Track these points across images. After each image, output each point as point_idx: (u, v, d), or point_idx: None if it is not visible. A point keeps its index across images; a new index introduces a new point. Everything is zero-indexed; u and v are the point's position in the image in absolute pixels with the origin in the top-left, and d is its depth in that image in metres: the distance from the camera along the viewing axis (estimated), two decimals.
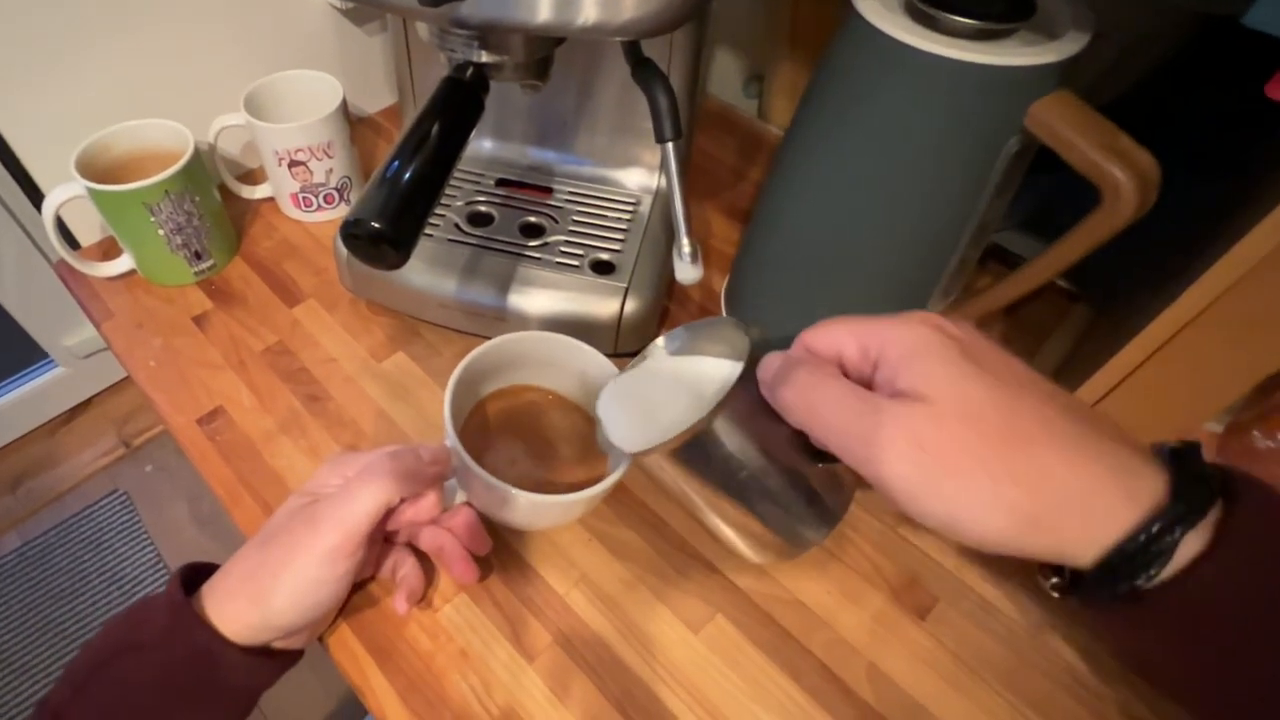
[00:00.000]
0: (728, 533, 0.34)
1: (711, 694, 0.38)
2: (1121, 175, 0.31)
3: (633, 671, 0.39)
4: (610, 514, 0.45)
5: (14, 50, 0.50)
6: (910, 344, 0.26)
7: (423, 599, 0.40)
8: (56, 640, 1.12)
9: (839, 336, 0.28)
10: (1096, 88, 0.36)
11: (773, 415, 0.29)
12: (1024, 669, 0.39)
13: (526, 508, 0.37)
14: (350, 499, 0.34)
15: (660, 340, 0.36)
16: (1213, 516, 0.23)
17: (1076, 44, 0.33)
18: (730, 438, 0.30)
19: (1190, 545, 0.23)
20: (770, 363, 0.29)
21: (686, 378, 0.33)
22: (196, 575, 0.36)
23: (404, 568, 0.39)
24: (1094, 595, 0.25)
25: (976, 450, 0.23)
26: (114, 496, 1.28)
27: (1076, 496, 0.23)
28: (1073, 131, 0.32)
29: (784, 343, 0.30)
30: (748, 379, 0.29)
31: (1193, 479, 0.23)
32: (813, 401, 0.27)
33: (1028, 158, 0.37)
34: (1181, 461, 0.24)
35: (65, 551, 1.21)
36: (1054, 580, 0.27)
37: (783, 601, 0.42)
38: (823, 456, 0.29)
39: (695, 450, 0.30)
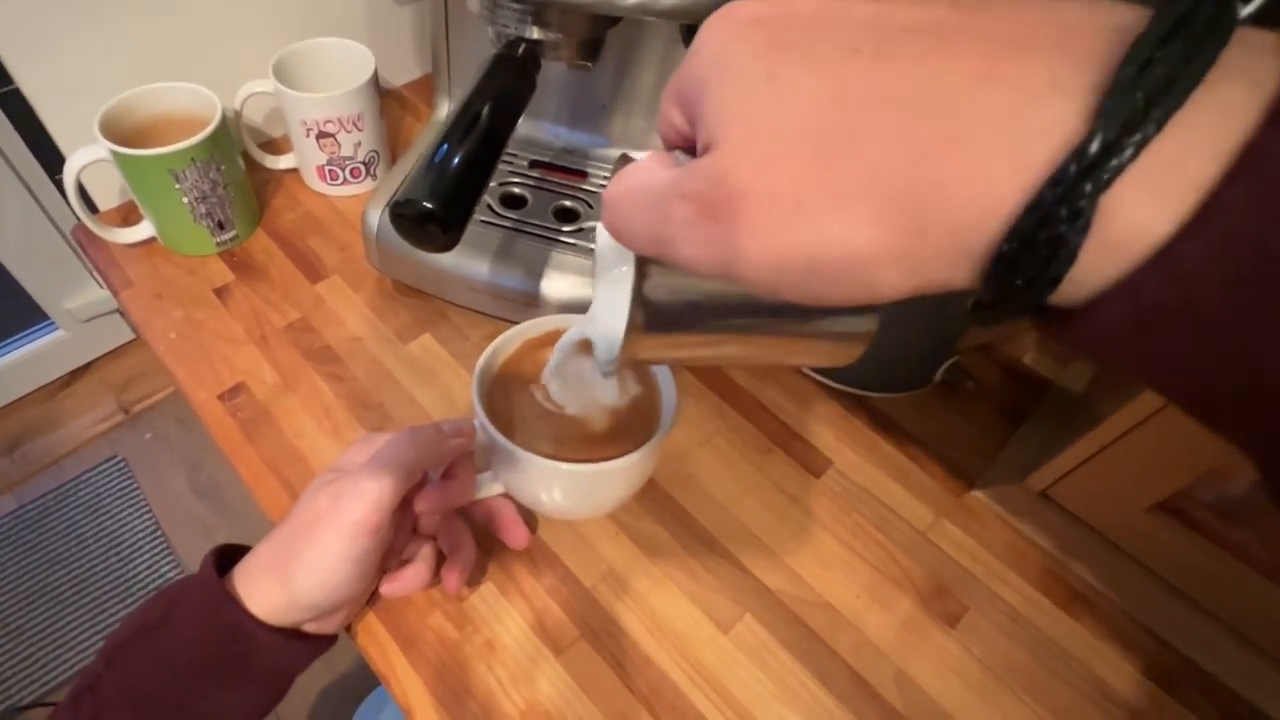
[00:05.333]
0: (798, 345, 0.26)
1: (739, 694, 0.38)
2: None
3: (659, 668, 0.38)
4: (638, 508, 0.44)
5: (41, 9, 0.48)
6: (703, 70, 0.17)
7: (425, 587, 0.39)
8: (52, 604, 1.11)
9: (665, 108, 0.20)
10: None
11: None
12: (1052, 681, 0.39)
13: (561, 481, 0.36)
14: (373, 473, 0.33)
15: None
16: (1231, 124, 0.12)
17: None
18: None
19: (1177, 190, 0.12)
20: None
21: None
22: (229, 557, 0.35)
23: (415, 557, 0.39)
24: (1004, 314, 0.15)
25: (784, 189, 0.15)
26: (112, 463, 1.27)
27: (928, 186, 0.14)
28: None
29: None
30: None
31: (1168, 36, 0.12)
32: (614, 218, 0.19)
33: None
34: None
35: (62, 516, 1.20)
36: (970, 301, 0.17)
37: (811, 603, 0.41)
38: None
39: (673, 297, 0.23)
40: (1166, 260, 0.13)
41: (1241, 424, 0.14)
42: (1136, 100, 0.12)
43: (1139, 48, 0.12)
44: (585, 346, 0.34)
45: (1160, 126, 0.12)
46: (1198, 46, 0.12)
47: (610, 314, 0.29)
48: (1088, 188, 0.12)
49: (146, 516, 1.21)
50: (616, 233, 0.20)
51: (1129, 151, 0.12)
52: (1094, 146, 0.12)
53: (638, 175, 0.19)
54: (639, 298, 0.23)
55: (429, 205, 0.30)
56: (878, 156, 0.14)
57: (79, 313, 1.21)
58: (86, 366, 1.30)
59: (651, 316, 0.24)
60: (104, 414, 1.32)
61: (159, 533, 1.19)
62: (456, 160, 0.31)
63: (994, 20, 0.14)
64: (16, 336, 1.22)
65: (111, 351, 1.31)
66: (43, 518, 1.20)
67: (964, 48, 0.14)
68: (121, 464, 1.27)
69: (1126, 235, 0.13)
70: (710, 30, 0.17)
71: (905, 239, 0.15)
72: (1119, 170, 0.12)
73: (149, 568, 1.15)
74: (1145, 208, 0.13)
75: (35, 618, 1.10)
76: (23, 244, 1.10)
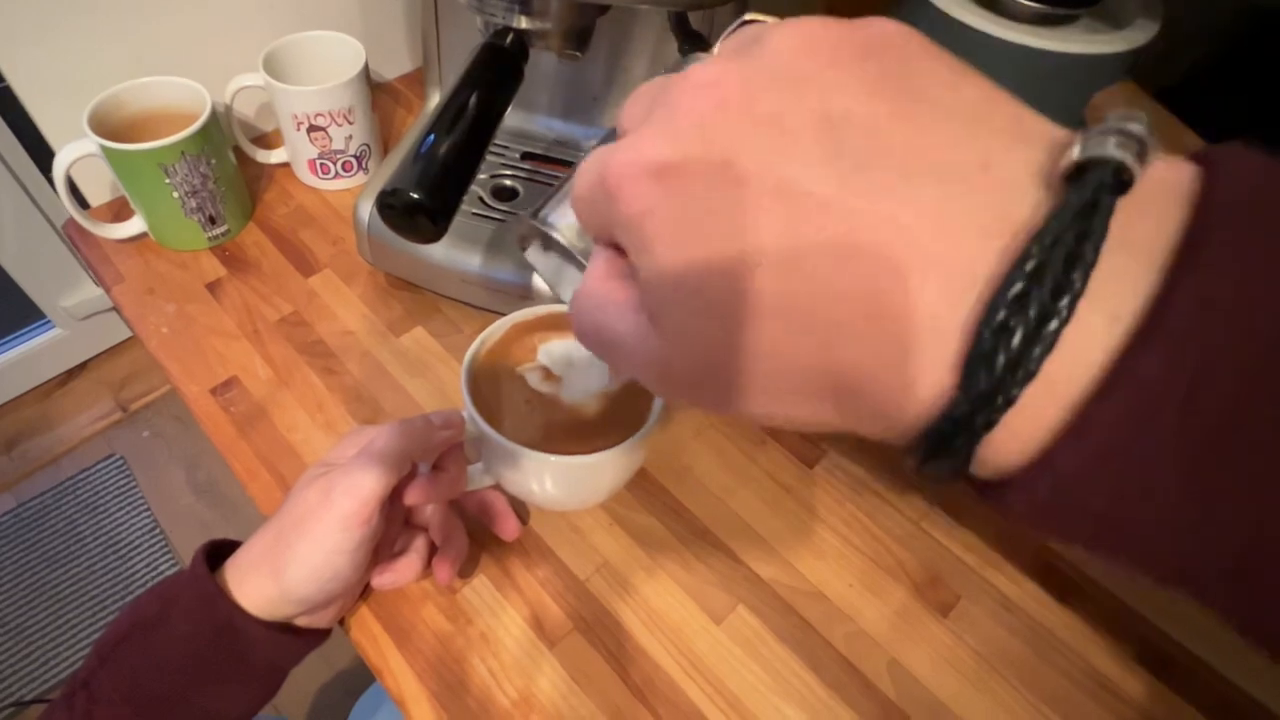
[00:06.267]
0: None
1: (733, 685, 0.38)
2: None
3: (654, 660, 0.38)
4: (631, 499, 0.44)
5: (29, 3, 0.48)
6: (624, 229, 0.17)
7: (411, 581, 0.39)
8: (51, 603, 1.11)
9: (585, 220, 0.19)
10: (1143, 78, 0.35)
11: None
12: (1045, 668, 0.39)
13: (551, 472, 0.36)
14: (362, 466, 0.33)
15: None
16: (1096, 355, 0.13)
17: (1144, 34, 0.32)
18: None
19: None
20: None
21: None
22: (221, 552, 0.35)
23: (407, 549, 0.39)
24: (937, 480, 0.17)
25: (715, 377, 0.16)
26: (110, 461, 1.27)
27: (846, 391, 0.15)
28: None
29: None
30: None
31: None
32: (586, 344, 0.20)
33: None
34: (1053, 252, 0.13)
35: (60, 515, 1.20)
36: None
37: (805, 593, 0.41)
38: None
39: None
40: (1045, 470, 0.14)
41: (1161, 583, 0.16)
42: (995, 369, 0.13)
43: (997, 302, 0.13)
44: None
45: (1022, 388, 0.13)
46: (1054, 299, 0.12)
47: None
48: (959, 442, 0.14)
49: (145, 514, 1.21)
50: (610, 362, 0.21)
51: (996, 413, 0.13)
52: (960, 409, 0.14)
53: (595, 303, 0.19)
54: None
55: (416, 195, 0.30)
56: (791, 364, 0.15)
57: (75, 310, 1.21)
58: (84, 365, 1.31)
59: None
60: (102, 412, 1.32)
61: (157, 531, 1.19)
62: (443, 150, 0.31)
63: (891, 208, 0.14)
64: (13, 335, 1.22)
65: (109, 349, 1.32)
66: (41, 516, 1.20)
67: (857, 257, 0.14)
68: (120, 462, 1.27)
69: (1007, 457, 0.14)
70: (620, 187, 0.16)
71: (834, 418, 0.16)
72: (988, 427, 0.14)
73: (147, 566, 1.15)
74: (1017, 440, 0.14)
75: (35, 616, 1.10)
76: (18, 242, 1.09)
